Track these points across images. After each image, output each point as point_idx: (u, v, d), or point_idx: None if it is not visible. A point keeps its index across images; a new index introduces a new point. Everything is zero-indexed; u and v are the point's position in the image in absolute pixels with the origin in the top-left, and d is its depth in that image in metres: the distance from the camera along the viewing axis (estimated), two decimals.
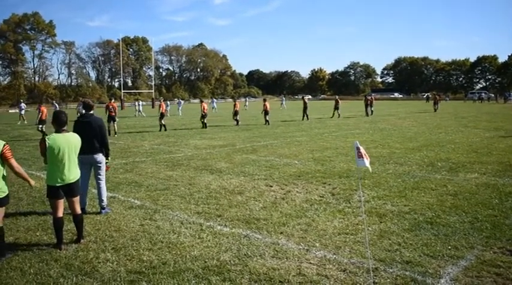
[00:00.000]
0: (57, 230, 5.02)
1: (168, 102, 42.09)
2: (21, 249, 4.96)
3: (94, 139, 6.38)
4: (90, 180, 6.68)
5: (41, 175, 9.46)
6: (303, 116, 27.41)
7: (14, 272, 4.36)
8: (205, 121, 22.83)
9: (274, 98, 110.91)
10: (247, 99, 61.29)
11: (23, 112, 32.77)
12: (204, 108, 22.93)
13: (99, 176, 6.59)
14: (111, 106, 19.60)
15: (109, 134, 18.23)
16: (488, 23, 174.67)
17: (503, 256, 4.56)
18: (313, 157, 11.65)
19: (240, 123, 24.50)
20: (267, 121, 24.55)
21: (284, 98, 57.35)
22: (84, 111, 6.71)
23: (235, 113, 24.69)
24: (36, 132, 18.46)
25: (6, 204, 4.75)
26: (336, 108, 30.18)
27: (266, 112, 24.83)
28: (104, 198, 6.57)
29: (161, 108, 22.46)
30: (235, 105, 25.02)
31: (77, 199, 5.23)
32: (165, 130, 21.11)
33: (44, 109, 20.12)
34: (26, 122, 30.71)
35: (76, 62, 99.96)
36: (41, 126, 19.42)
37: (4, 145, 4.64)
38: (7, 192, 4.71)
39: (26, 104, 37.84)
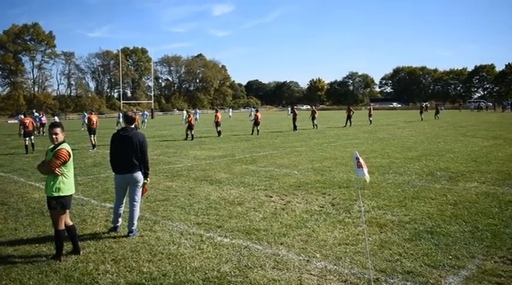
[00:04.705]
0: (58, 242, 4.99)
1: (146, 113, 41.97)
2: (21, 261, 4.93)
3: (133, 155, 5.82)
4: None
5: (40, 186, 9.44)
6: (294, 126, 27.30)
7: (13, 284, 4.33)
8: (192, 133, 22.26)
9: (273, 108, 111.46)
10: (230, 109, 62.12)
11: None
12: (191, 119, 22.57)
13: (135, 197, 5.97)
14: (94, 119, 18.97)
15: (93, 147, 18.02)
16: (486, 32, 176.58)
17: (504, 265, 4.55)
18: (312, 167, 11.65)
19: (221, 134, 23.85)
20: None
21: (252, 109, 58.08)
22: (124, 125, 6.12)
23: (217, 124, 24.23)
24: (36, 142, 18.16)
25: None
26: (313, 117, 29.95)
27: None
28: (135, 222, 5.99)
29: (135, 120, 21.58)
30: (216, 116, 24.52)
31: (68, 212, 5.12)
32: None
33: (26, 120, 17.64)
34: None
35: (75, 73, 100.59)
36: (27, 138, 17.16)
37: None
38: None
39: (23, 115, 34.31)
